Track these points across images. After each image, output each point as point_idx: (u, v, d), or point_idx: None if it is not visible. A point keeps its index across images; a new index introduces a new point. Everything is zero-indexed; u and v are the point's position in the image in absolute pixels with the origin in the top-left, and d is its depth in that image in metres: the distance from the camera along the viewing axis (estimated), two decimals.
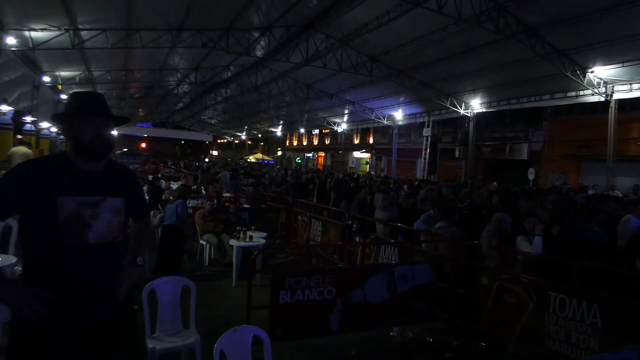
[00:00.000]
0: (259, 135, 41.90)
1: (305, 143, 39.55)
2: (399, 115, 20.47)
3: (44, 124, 17.08)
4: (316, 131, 35.80)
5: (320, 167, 33.14)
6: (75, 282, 1.71)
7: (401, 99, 18.79)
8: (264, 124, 34.91)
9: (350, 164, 30.78)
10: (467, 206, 6.99)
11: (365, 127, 26.84)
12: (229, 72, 18.96)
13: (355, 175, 17.48)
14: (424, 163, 19.81)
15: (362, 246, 5.74)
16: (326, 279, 3.86)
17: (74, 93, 1.90)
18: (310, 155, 38.96)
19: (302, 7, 11.11)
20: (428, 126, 19.67)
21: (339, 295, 3.88)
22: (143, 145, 52.04)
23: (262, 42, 13.90)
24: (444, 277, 4.62)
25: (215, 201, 8.56)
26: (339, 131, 27.82)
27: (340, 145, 30.63)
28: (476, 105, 16.79)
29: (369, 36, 12.10)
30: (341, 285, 3.91)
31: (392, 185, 10.89)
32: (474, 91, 15.94)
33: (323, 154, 36.69)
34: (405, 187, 11.18)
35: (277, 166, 26.24)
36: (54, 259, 1.69)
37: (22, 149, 10.36)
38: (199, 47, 12.62)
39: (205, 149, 58.01)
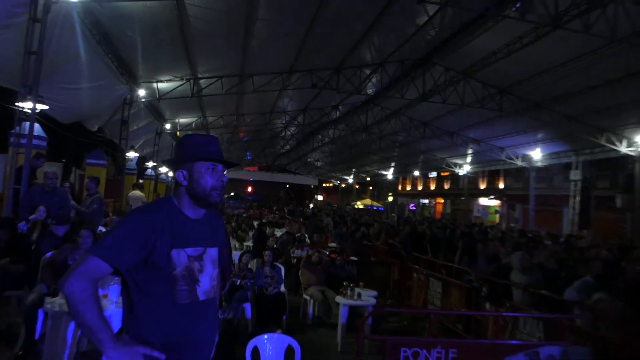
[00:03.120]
0: (368, 179, 42.41)
1: (420, 188, 38.77)
2: (536, 154, 18.95)
3: (163, 169, 19.78)
4: (433, 174, 34.93)
5: (439, 216, 31.94)
6: (185, 342, 1.78)
7: (539, 136, 17.42)
8: (373, 167, 35.34)
9: (475, 213, 29.12)
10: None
11: (494, 169, 25.34)
12: (338, 112, 19.89)
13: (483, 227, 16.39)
14: (573, 214, 17.75)
15: (495, 316, 5.25)
16: (450, 354, 3.60)
17: (192, 136, 1.95)
18: (426, 201, 37.94)
19: (418, 39, 11.32)
20: (576, 168, 17.77)
21: None
22: (249, 189, 56.56)
23: (373, 79, 14.39)
24: None
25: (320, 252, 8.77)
26: (460, 174, 26.74)
27: (463, 191, 29.26)
28: None
29: (497, 65, 11.69)
30: None
31: (530, 241, 9.95)
32: None
33: (442, 201, 35.42)
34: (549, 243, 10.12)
35: (393, 214, 26.01)
36: (166, 316, 1.75)
37: (137, 192, 12.21)
38: (308, 87, 13.60)
39: (310, 193, 60.57)
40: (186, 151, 1.89)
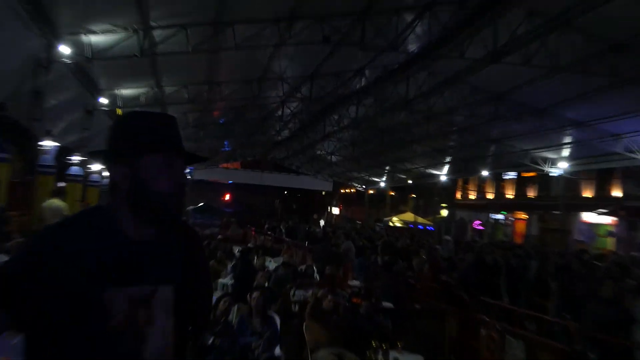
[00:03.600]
0: (409, 182, 42.39)
1: (490, 196, 38.67)
2: None
3: (95, 167, 19.93)
4: (511, 175, 34.84)
5: (520, 239, 31.84)
6: None
7: None
8: (417, 163, 35.32)
9: (576, 235, 28.97)
10: None
11: (605, 167, 25.21)
12: (363, 80, 19.88)
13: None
14: None
15: None
16: None
17: (138, 114, 2.02)
18: (500, 217, 37.82)
19: None
20: None
21: None
22: (227, 197, 56.74)
23: (418, 30, 14.38)
24: None
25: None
26: (553, 175, 26.60)
27: (557, 201, 29.11)
28: None
29: (609, 9, 11.61)
30: None
31: None
32: None
33: (525, 216, 35.28)
34: None
35: (447, 237, 25.99)
36: None
37: (55, 202, 12.26)
38: (318, 43, 13.63)
39: (320, 204, 60.70)
40: (128, 138, 1.89)
